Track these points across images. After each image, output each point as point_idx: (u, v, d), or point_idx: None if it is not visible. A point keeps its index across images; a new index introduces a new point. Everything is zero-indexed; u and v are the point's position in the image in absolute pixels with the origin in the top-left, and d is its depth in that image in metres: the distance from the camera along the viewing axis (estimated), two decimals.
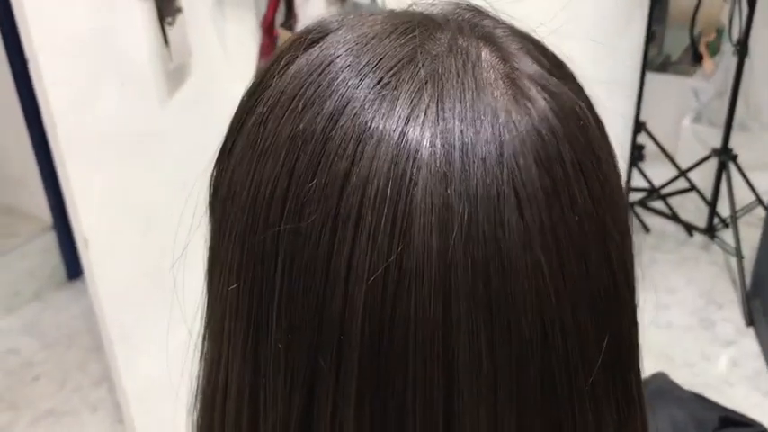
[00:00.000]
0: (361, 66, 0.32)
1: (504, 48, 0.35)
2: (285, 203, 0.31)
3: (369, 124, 0.31)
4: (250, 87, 0.37)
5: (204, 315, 0.38)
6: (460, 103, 0.31)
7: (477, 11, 0.37)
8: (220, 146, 0.37)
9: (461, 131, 0.30)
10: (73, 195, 1.40)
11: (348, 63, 0.33)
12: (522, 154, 0.31)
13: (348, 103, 0.31)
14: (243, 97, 0.37)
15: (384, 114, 0.31)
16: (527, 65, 0.34)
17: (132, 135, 1.47)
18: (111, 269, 1.48)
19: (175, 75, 1.50)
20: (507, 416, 0.31)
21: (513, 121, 0.31)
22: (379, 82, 0.32)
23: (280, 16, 1.57)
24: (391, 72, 0.32)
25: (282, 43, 0.38)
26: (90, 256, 1.45)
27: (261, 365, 0.33)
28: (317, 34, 0.35)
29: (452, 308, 0.30)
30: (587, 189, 0.32)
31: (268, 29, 1.55)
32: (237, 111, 0.37)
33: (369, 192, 0.30)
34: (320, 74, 0.33)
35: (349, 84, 0.32)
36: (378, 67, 0.32)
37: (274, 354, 0.32)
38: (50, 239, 2.50)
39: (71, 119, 1.36)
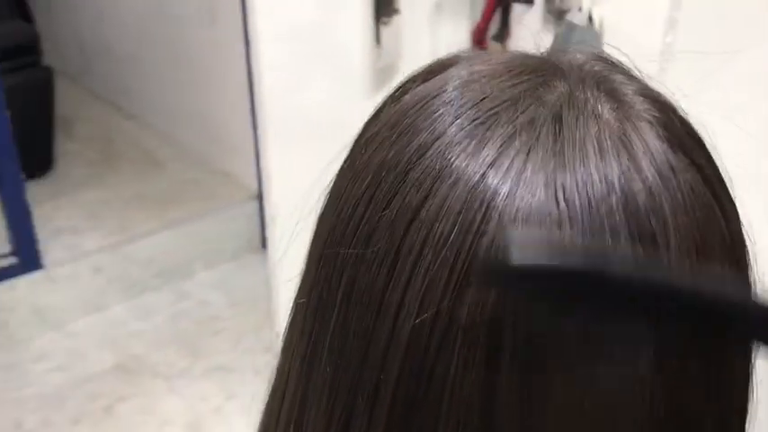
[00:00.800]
0: (462, 102, 0.31)
1: (628, 107, 0.32)
2: (358, 228, 0.31)
3: (451, 162, 0.30)
4: (374, 109, 0.37)
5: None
6: (555, 157, 0.29)
7: (612, 64, 0.35)
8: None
9: (546, 192, 0.28)
10: (269, 172, 1.49)
11: (451, 98, 0.32)
12: (606, 231, 0.28)
13: (438, 138, 0.31)
14: (364, 122, 0.37)
15: (469, 154, 0.30)
16: (647, 132, 0.31)
17: (334, 124, 1.53)
18: (291, 247, 1.56)
19: (383, 73, 1.55)
20: None
21: (608, 191, 0.28)
22: (474, 121, 0.30)
23: (493, 28, 1.57)
24: (490, 112, 0.31)
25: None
26: (275, 232, 1.53)
27: (310, 386, 0.34)
28: (438, 66, 0.35)
29: (499, 369, 0.28)
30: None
31: (479, 40, 1.56)
32: (357, 133, 0.37)
33: (434, 230, 0.29)
34: (422, 106, 0.32)
35: (445, 119, 0.31)
36: (478, 107, 0.31)
37: (322, 377, 0.33)
38: (254, 207, 2.67)
39: (280, 101, 1.44)
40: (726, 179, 0.33)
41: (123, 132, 3.21)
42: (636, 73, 0.35)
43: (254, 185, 2.66)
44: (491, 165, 0.29)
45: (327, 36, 1.46)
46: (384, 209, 0.30)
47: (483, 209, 0.28)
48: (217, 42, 2.64)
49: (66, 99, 3.20)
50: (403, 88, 0.35)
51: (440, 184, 0.29)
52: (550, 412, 0.29)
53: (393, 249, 0.30)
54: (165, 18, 2.88)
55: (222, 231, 2.62)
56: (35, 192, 2.40)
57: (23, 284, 2.30)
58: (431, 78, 0.34)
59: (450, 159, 0.30)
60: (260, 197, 2.64)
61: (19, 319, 2.30)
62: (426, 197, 0.29)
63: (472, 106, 0.31)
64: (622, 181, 0.29)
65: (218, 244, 2.61)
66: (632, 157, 0.29)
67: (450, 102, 0.32)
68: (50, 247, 2.40)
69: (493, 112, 0.31)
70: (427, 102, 0.32)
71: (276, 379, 0.38)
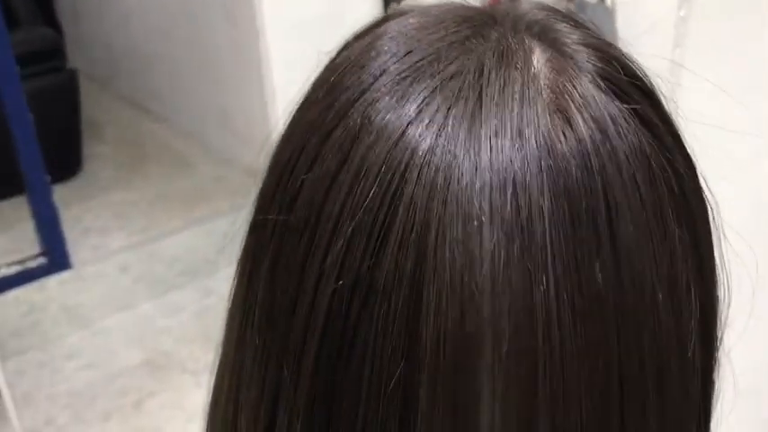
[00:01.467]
0: (387, 57, 0.30)
1: (566, 56, 0.29)
2: (284, 193, 0.30)
3: (372, 119, 0.28)
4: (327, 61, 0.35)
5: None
6: (475, 112, 0.27)
7: (556, 13, 0.32)
8: None
9: (465, 145, 0.27)
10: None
11: (378, 53, 0.30)
12: (526, 188, 0.26)
13: (362, 95, 0.29)
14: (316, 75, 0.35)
15: (390, 111, 0.28)
16: (585, 83, 0.29)
17: None
18: None
19: None
20: None
21: (532, 147, 0.26)
22: (398, 75, 0.29)
23: None
24: (415, 66, 0.29)
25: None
26: None
27: (243, 362, 0.32)
28: (376, 22, 0.33)
29: (419, 340, 0.26)
30: (607, 258, 0.26)
31: None
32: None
33: (353, 193, 0.27)
34: (351, 63, 0.31)
35: (370, 75, 0.30)
36: (402, 61, 0.29)
37: (253, 349, 0.31)
38: None
39: (290, 94, 1.45)
40: (681, 136, 0.31)
41: (151, 134, 3.25)
42: (589, 24, 0.33)
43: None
44: (411, 122, 0.28)
45: (336, 28, 1.47)
46: (305, 172, 0.29)
47: (402, 168, 0.27)
48: (239, 42, 2.67)
49: (94, 103, 3.25)
50: (345, 44, 0.34)
51: (359, 144, 0.28)
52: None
53: (314, 215, 0.28)
54: (190, 19, 2.92)
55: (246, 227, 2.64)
56: (64, 194, 2.44)
57: (53, 284, 2.34)
58: (367, 34, 0.32)
59: (371, 117, 0.28)
60: None
61: (50, 318, 2.35)
62: (345, 159, 0.28)
63: (397, 60, 0.30)
64: (546, 135, 0.27)
65: (241, 240, 2.62)
66: (563, 110, 0.28)
67: (376, 56, 0.30)
68: (79, 247, 2.44)
69: (418, 66, 0.29)
70: (356, 58, 0.31)
71: (220, 354, 0.37)
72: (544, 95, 0.28)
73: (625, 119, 0.28)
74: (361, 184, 0.27)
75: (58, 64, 2.81)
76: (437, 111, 0.28)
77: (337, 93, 0.30)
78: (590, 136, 0.27)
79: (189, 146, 3.10)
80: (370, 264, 0.27)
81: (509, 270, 0.26)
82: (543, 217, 0.26)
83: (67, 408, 2.14)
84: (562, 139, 0.27)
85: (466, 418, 0.27)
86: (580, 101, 0.28)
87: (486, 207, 0.26)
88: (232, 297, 0.35)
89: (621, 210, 0.27)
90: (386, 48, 0.31)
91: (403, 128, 0.28)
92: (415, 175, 0.27)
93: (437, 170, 0.27)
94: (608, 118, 0.28)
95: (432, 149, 0.27)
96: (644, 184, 0.28)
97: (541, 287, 0.26)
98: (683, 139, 0.31)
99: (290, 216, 0.29)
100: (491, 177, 0.26)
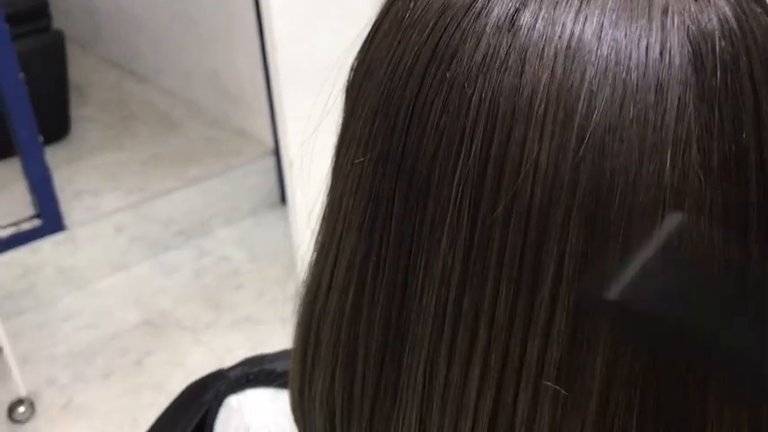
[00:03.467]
0: None
1: None
2: (424, 78, 0.31)
3: (521, 5, 0.30)
4: None
5: (325, 196, 0.38)
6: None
7: None
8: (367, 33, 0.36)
9: (614, 18, 0.29)
10: (285, 118, 1.50)
11: None
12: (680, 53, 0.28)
13: None
14: None
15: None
16: None
17: (346, 67, 1.54)
18: (310, 192, 1.58)
19: None
20: None
21: (680, 19, 0.29)
22: None
23: None
24: None
25: None
26: (293, 176, 1.55)
27: (374, 244, 0.33)
28: None
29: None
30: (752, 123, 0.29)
31: None
32: None
33: (516, 72, 0.29)
34: None
35: None
36: None
37: (387, 232, 0.33)
38: (270, 162, 2.69)
39: (290, 47, 1.45)
40: None
41: (137, 95, 3.22)
42: None
43: (270, 141, 2.68)
44: (557, 4, 0.29)
45: None
46: (452, 57, 0.30)
47: (566, 51, 0.29)
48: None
49: (77, 66, 3.21)
50: None
51: (516, 31, 0.29)
52: None
53: (468, 98, 0.30)
54: None
55: (240, 188, 2.65)
56: (53, 156, 2.42)
57: (48, 246, 2.34)
58: None
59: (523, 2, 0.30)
60: (276, 152, 2.66)
61: (45, 280, 2.35)
62: (504, 46, 0.30)
63: None
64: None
65: (236, 201, 2.63)
66: None
67: None
68: (72, 208, 2.43)
69: None
70: None
71: (323, 250, 0.37)
72: None
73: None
74: (518, 70, 0.29)
75: (43, 24, 2.77)
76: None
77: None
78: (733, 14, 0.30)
79: (176, 106, 3.09)
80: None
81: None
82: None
83: (68, 367, 2.16)
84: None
85: None
86: None
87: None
88: (346, 190, 0.35)
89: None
90: None
91: (554, 13, 0.29)
92: (576, 54, 0.29)
93: (597, 50, 0.29)
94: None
95: (594, 32, 0.29)
96: None
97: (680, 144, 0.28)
98: None
99: (437, 99, 0.31)
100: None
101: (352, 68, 0.36)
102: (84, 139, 2.93)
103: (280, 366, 0.50)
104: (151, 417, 0.52)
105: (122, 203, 2.49)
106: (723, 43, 0.29)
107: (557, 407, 0.30)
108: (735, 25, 0.30)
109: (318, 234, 0.39)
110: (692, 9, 0.30)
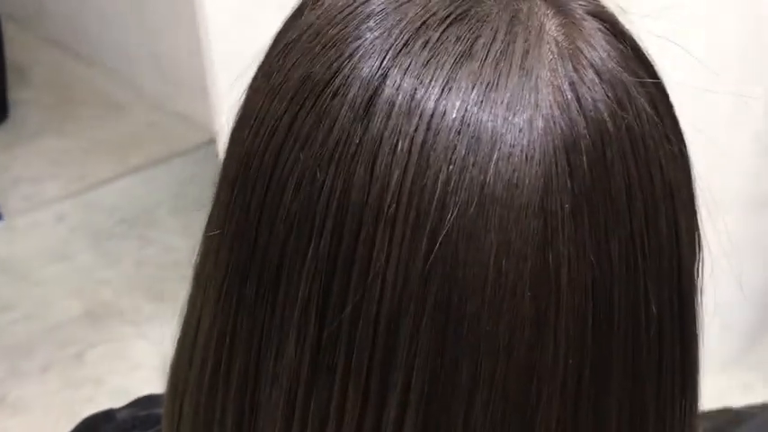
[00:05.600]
0: (390, 16, 0.29)
1: (577, 24, 0.29)
2: (280, 154, 0.29)
3: (379, 87, 0.28)
4: (290, 12, 0.34)
5: (193, 262, 0.37)
6: (487, 79, 0.27)
7: None
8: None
9: (476, 110, 0.26)
10: (220, 108, 1.48)
11: (380, 9, 0.29)
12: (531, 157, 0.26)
13: (366, 58, 0.28)
14: (282, 22, 0.34)
15: (397, 76, 0.27)
16: (597, 49, 0.28)
17: None
18: None
19: None
20: None
21: (549, 115, 0.27)
22: (401, 39, 0.28)
23: None
24: (417, 28, 0.28)
25: None
26: None
27: (229, 323, 0.32)
28: None
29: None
30: (623, 217, 0.27)
31: None
32: (274, 36, 0.34)
33: (368, 164, 0.27)
34: (349, 14, 0.30)
35: (374, 34, 0.28)
36: (408, 21, 0.28)
37: (241, 313, 0.31)
38: (215, 150, 2.64)
39: (226, 33, 1.42)
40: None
41: (80, 78, 3.14)
42: None
43: (213, 127, 2.64)
44: (415, 89, 0.27)
45: None
46: (309, 135, 0.29)
47: (420, 132, 0.27)
48: None
49: (16, 45, 3.11)
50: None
51: (371, 113, 0.28)
52: None
53: (320, 183, 0.28)
54: None
55: (184, 176, 2.60)
56: None
57: None
58: None
59: (377, 86, 0.28)
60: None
61: None
62: (362, 127, 0.28)
63: (400, 21, 0.29)
64: (567, 107, 0.27)
65: (180, 188, 2.58)
66: (577, 78, 0.28)
67: (379, 13, 0.29)
68: (9, 197, 2.37)
69: (422, 28, 0.28)
70: (354, 10, 0.30)
71: (188, 313, 0.36)
72: (561, 58, 0.28)
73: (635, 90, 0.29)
74: (380, 150, 0.28)
75: None
76: (448, 77, 0.27)
77: (336, 50, 0.29)
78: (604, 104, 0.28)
79: (120, 90, 3.02)
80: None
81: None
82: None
83: (4, 361, 2.11)
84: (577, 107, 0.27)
85: None
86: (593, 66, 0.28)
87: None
88: (208, 256, 0.34)
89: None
90: (385, 5, 0.29)
91: (411, 93, 0.27)
92: (435, 137, 0.27)
93: (455, 135, 0.27)
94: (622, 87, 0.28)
95: (449, 115, 0.27)
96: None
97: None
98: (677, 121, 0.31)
99: (289, 179, 0.30)
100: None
101: (237, 107, 0.35)
102: (23, 124, 2.85)
103: None
104: (91, 411, 0.52)
105: (63, 191, 2.43)
106: (593, 146, 0.27)
107: None
108: (609, 125, 0.27)
109: (188, 296, 0.38)
110: (563, 99, 0.27)
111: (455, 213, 0.26)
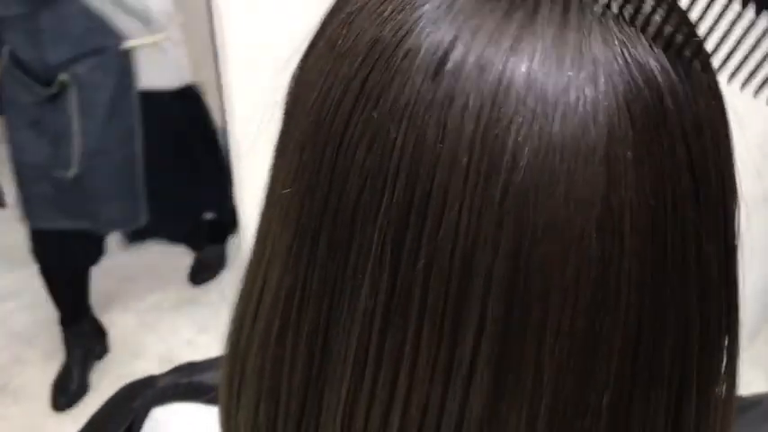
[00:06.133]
0: None
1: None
2: (351, 114, 0.30)
3: (450, 47, 0.29)
4: None
5: (257, 221, 0.37)
6: (550, 39, 0.29)
7: None
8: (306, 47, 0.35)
9: (542, 67, 0.28)
10: (232, 105, 1.48)
11: None
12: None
13: (435, 20, 0.29)
14: None
15: (467, 36, 0.29)
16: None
17: (299, 51, 1.51)
18: (257, 179, 1.57)
19: None
20: None
21: (610, 71, 0.28)
22: (469, 3, 0.30)
23: None
24: None
25: None
26: (240, 167, 1.53)
27: (299, 277, 0.33)
28: None
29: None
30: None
31: None
32: (328, 9, 0.35)
33: (441, 119, 0.28)
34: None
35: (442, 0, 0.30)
36: None
37: (312, 267, 0.32)
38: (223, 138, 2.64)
39: (238, 27, 1.42)
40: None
41: None
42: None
43: (222, 125, 2.63)
44: (488, 43, 0.28)
45: None
46: (382, 93, 0.30)
47: (497, 93, 0.28)
48: None
49: None
50: None
51: (443, 69, 0.29)
52: None
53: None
54: None
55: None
56: None
57: None
58: None
59: (450, 40, 0.29)
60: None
61: None
62: (432, 82, 0.29)
63: None
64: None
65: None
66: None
67: None
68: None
69: None
70: None
71: (251, 274, 0.37)
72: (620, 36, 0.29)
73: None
74: (452, 108, 0.29)
75: None
76: (520, 35, 0.29)
77: (406, 12, 0.30)
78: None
79: None
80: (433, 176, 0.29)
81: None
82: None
83: (6, 349, 2.11)
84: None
85: None
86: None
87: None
88: (274, 218, 0.35)
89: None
90: None
91: (483, 50, 0.29)
92: (506, 94, 0.28)
93: (525, 90, 0.28)
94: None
95: (514, 71, 0.28)
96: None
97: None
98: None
99: (363, 137, 0.30)
100: None
101: (291, 80, 0.35)
102: None
103: (209, 379, 0.49)
104: (93, 400, 0.51)
105: None
106: (651, 99, 0.29)
107: None
108: (661, 79, 0.29)
109: (249, 259, 0.38)
110: (621, 62, 0.29)
111: (526, 162, 0.28)
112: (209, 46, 2.45)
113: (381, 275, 0.30)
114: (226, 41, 1.42)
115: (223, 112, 2.46)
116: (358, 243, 0.31)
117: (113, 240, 2.29)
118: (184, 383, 0.49)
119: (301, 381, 0.34)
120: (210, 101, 2.58)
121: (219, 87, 2.21)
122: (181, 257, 2.39)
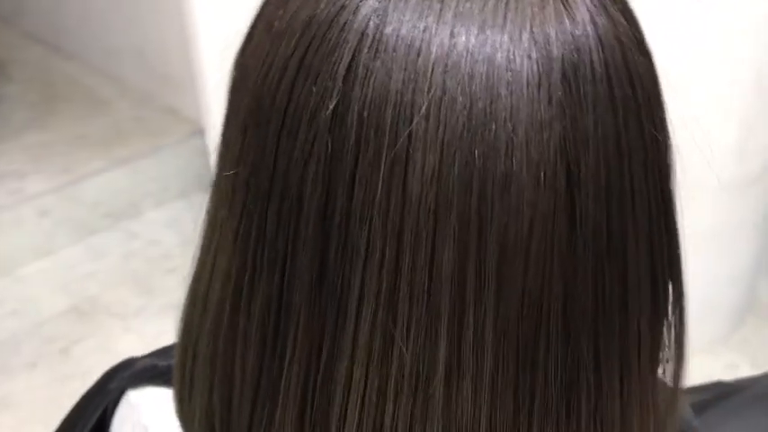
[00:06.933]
0: None
1: None
2: (292, 92, 0.31)
3: (383, 17, 0.30)
4: None
5: (206, 205, 0.39)
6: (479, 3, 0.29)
7: None
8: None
9: (477, 33, 0.29)
10: (208, 102, 1.47)
11: None
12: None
13: None
14: None
15: (399, 3, 0.30)
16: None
17: None
18: None
19: None
20: None
21: (540, 22, 0.29)
22: None
23: None
24: None
25: None
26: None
27: (248, 259, 0.33)
28: None
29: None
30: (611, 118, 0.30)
31: None
32: None
33: (367, 91, 0.29)
34: None
35: None
36: None
37: (261, 248, 0.33)
38: (201, 142, 2.63)
39: (213, 24, 1.41)
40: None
41: (63, 73, 3.12)
42: None
43: (200, 120, 2.63)
44: (420, 16, 0.29)
45: None
46: (319, 69, 0.30)
47: (423, 69, 0.29)
48: None
49: None
50: None
51: (377, 41, 0.29)
52: None
53: (338, 111, 0.30)
54: None
55: (169, 169, 2.60)
56: None
57: None
58: None
59: (385, 11, 0.30)
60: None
61: None
62: (361, 55, 0.30)
63: None
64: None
65: (165, 182, 2.58)
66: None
67: None
68: None
69: None
70: None
71: (201, 259, 0.38)
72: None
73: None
74: (378, 79, 0.29)
75: None
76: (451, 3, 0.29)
77: None
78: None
79: (103, 85, 3.00)
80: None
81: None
82: None
83: None
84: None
85: None
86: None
87: None
88: (221, 201, 0.36)
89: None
90: None
91: (414, 23, 0.29)
92: (431, 68, 0.29)
93: (456, 63, 0.29)
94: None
95: (446, 43, 0.29)
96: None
97: None
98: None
99: (304, 114, 0.31)
100: None
101: (233, 65, 0.36)
102: (5, 120, 2.83)
103: None
104: None
105: (47, 186, 2.41)
106: (580, 47, 0.29)
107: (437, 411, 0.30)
108: (591, 29, 0.30)
109: (199, 245, 0.39)
110: (553, 11, 0.30)
111: (475, 101, 0.28)
112: (182, 40, 2.45)
113: (328, 241, 0.31)
114: (198, 34, 1.40)
115: (198, 106, 2.47)
116: (305, 218, 0.31)
117: None
118: (162, 366, 0.50)
119: (255, 361, 0.34)
120: (187, 96, 2.58)
121: (194, 83, 2.22)
122: (166, 261, 2.38)
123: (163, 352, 0.52)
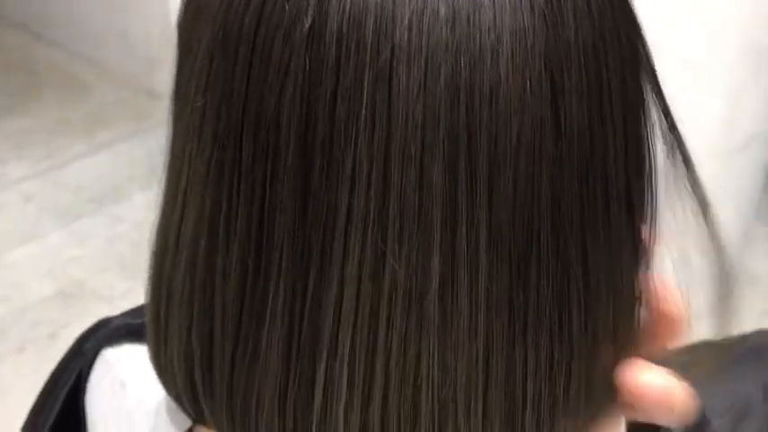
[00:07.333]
0: None
1: None
2: (262, 12, 0.30)
3: None
4: None
5: (168, 143, 0.37)
6: None
7: None
8: None
9: None
10: None
11: None
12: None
13: None
14: None
15: None
16: None
17: None
18: None
19: None
20: None
21: None
22: None
23: None
24: None
25: None
26: None
27: (223, 192, 0.32)
28: None
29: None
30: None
31: None
32: None
33: (345, 5, 0.28)
34: None
35: None
36: None
37: (237, 179, 0.32)
38: None
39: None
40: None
41: (44, 59, 3.09)
42: None
43: None
44: None
45: None
46: None
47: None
48: None
49: None
50: None
51: None
52: None
53: (314, 27, 0.29)
54: None
55: (154, 151, 2.57)
56: None
57: None
58: None
59: None
60: None
61: None
62: None
63: None
64: None
65: (150, 164, 2.56)
66: None
67: None
68: None
69: None
70: None
71: (168, 197, 0.37)
72: None
73: None
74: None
75: None
76: None
77: None
78: None
79: (85, 70, 2.97)
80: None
81: None
82: None
83: None
84: None
85: None
86: None
87: None
88: (189, 132, 0.34)
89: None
90: None
91: None
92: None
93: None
94: None
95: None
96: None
97: None
98: None
99: (277, 33, 0.30)
100: None
101: (181, 5, 0.35)
102: None
103: None
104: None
105: (30, 171, 2.39)
106: None
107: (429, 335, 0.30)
108: None
109: (164, 187, 0.38)
110: None
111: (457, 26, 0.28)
112: (166, 24, 2.43)
113: (309, 170, 0.30)
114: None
115: None
116: (284, 140, 0.30)
117: None
118: (137, 324, 0.49)
119: (236, 295, 0.33)
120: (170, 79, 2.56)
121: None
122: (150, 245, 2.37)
123: (136, 311, 0.51)
